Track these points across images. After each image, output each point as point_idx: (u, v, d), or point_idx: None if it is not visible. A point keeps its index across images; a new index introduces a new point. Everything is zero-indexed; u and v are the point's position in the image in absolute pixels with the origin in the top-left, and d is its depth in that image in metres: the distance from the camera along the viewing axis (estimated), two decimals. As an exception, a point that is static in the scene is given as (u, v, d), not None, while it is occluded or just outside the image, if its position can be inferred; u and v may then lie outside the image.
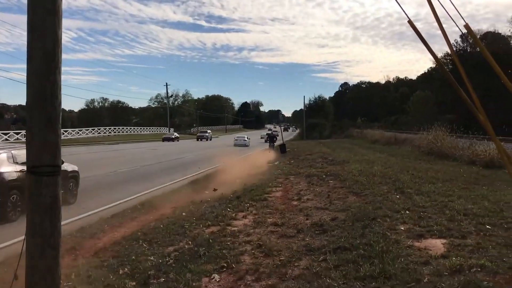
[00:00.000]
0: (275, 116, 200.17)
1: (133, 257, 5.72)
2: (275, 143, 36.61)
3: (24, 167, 6.99)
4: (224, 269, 5.11)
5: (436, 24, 3.74)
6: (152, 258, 5.69)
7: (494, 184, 12.15)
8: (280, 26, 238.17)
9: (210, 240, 6.43)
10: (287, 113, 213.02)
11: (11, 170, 8.99)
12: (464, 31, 3.94)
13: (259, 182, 13.61)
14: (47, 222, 2.89)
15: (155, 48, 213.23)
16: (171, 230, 7.32)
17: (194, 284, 4.60)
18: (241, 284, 4.59)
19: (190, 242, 6.43)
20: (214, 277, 4.84)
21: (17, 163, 9.16)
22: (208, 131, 75.78)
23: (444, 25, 3.88)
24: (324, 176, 14.27)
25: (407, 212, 7.89)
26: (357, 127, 72.48)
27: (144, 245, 6.43)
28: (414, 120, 52.00)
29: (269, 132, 51.86)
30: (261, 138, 65.41)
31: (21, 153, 8.94)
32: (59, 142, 3.00)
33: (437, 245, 5.82)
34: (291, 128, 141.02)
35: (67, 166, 10.65)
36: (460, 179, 13.11)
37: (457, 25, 3.88)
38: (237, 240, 6.50)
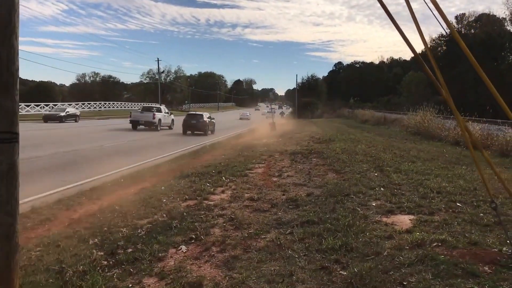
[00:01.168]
0: (268, 94, 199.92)
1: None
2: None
3: (208, 119, 31.26)
4: (193, 241, 5.16)
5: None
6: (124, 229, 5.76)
7: (474, 164, 12.30)
8: (275, 3, 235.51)
9: (185, 214, 6.49)
10: (281, 91, 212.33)
11: (207, 119, 29.88)
12: (434, 10, 3.94)
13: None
14: (3, 189, 2.86)
15: (147, 23, 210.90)
16: (148, 203, 7.36)
17: (160, 254, 4.66)
18: (206, 255, 4.66)
19: (164, 215, 6.49)
20: (181, 248, 4.90)
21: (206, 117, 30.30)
22: (154, 107, 40.70)
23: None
24: (308, 154, 14.34)
25: (382, 189, 8.01)
26: (349, 107, 72.56)
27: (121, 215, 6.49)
28: (407, 101, 52.20)
29: (276, 109, 76.19)
30: (262, 114, 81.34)
31: (207, 113, 32.48)
32: (16, 108, 2.96)
33: (404, 220, 5.94)
34: (284, 106, 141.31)
35: (212, 119, 31.24)
36: (441, 159, 13.27)
37: (428, 7, 3.90)
38: (211, 213, 6.54)
